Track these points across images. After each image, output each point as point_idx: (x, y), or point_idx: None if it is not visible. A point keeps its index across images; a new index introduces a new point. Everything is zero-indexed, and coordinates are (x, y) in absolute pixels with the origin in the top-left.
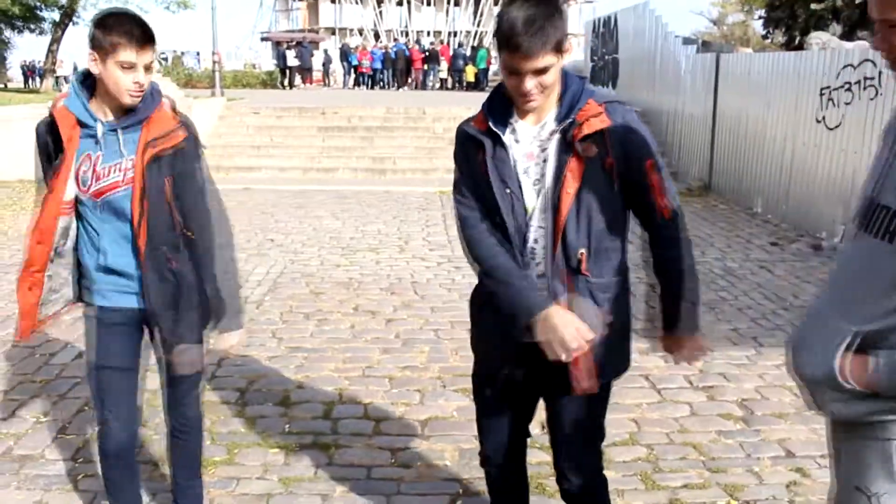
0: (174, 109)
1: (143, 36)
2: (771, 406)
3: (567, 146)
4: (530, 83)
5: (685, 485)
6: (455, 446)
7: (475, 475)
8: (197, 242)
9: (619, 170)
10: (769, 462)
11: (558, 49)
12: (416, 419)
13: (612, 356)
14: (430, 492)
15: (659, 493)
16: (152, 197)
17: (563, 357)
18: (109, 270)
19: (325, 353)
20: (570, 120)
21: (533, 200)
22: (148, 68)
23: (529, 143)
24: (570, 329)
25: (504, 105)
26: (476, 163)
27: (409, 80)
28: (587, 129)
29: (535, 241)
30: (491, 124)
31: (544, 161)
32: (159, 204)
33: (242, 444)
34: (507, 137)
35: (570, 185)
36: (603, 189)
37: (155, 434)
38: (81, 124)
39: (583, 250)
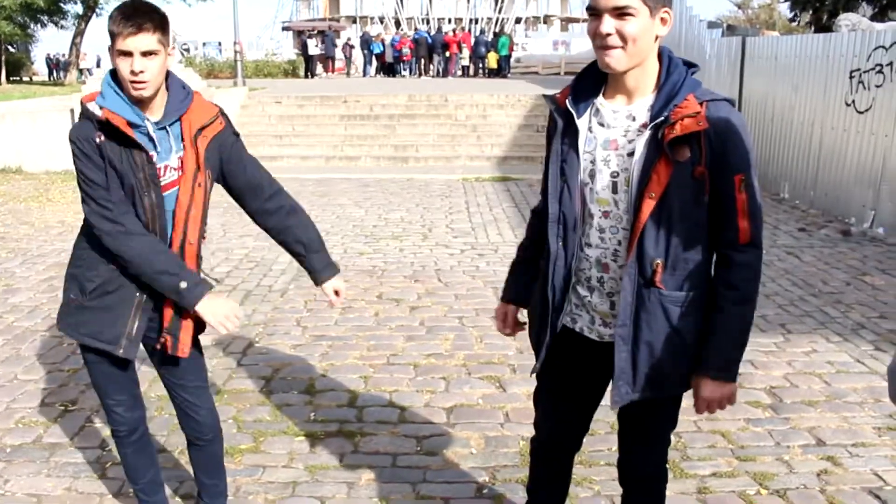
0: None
1: (137, 20)
2: (800, 394)
3: (657, 146)
4: (608, 25)
5: (714, 473)
6: (481, 434)
7: (501, 463)
8: (281, 206)
9: (710, 180)
10: (799, 450)
11: (647, 2)
12: (442, 407)
13: (674, 371)
14: (456, 479)
15: (687, 482)
16: (208, 186)
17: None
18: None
19: (349, 340)
20: (663, 117)
21: (608, 193)
22: (148, 55)
23: (616, 131)
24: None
25: (594, 80)
26: (550, 140)
27: (431, 68)
28: (680, 131)
29: (619, 242)
30: (569, 102)
31: (628, 155)
32: (207, 195)
33: (268, 433)
34: (585, 119)
35: (654, 189)
36: (689, 198)
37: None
38: (131, 124)
39: (659, 260)
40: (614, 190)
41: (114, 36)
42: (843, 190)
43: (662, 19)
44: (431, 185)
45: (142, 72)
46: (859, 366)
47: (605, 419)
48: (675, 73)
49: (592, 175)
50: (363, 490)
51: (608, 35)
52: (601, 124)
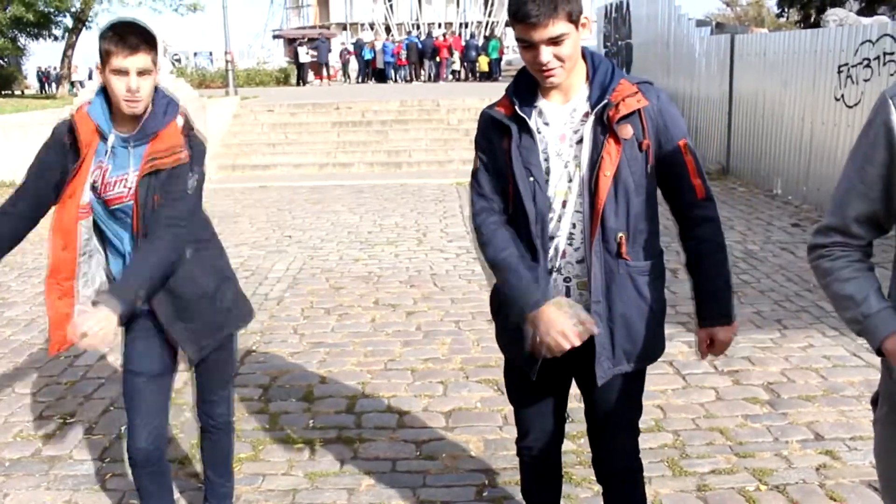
0: (188, 126)
1: (133, 40)
2: (797, 389)
3: (604, 128)
4: (546, 54)
5: (713, 470)
6: (480, 437)
7: (501, 465)
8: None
9: (655, 150)
10: (798, 445)
11: (573, 20)
12: (440, 411)
13: (645, 341)
14: (455, 483)
15: (687, 480)
16: (147, 211)
17: (555, 350)
18: None
19: (346, 347)
20: (605, 101)
21: (564, 184)
22: (143, 74)
23: (562, 125)
24: (563, 326)
25: (529, 87)
26: (500, 149)
27: (422, 73)
28: (624, 110)
29: (574, 225)
30: (517, 108)
31: (578, 143)
32: (153, 219)
33: (267, 441)
34: (533, 121)
35: (608, 168)
36: (639, 171)
37: (181, 433)
38: (99, 133)
39: (622, 234)
40: (570, 178)
41: (108, 54)
42: (834, 185)
43: (583, 24)
44: (425, 189)
45: (138, 90)
46: (855, 360)
47: None
48: (601, 65)
49: (549, 171)
50: (363, 496)
51: (548, 62)
52: (546, 123)
